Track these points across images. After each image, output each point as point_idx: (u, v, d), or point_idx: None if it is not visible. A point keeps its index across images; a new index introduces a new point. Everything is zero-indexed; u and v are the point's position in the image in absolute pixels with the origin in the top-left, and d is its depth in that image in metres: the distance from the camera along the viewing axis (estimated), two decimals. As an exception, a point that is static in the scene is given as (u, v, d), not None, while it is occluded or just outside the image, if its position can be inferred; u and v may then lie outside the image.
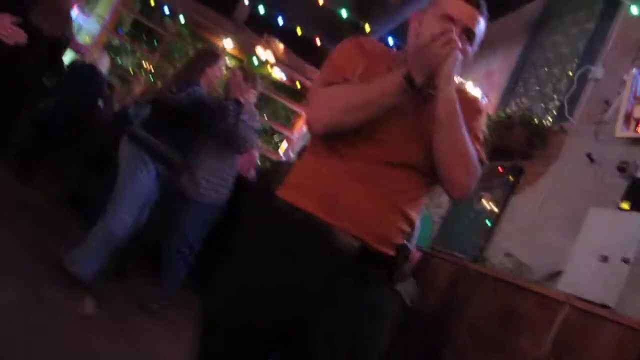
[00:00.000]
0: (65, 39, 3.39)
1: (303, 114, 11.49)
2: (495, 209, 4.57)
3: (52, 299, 3.41)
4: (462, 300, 4.16)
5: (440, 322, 4.25)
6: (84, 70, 6.78)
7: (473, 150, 1.55)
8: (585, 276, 3.26)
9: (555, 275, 3.58)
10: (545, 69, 5.12)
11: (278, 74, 11.15)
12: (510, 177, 4.58)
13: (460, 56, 1.49)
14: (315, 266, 1.50)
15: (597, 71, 4.20)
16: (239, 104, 4.06)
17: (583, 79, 4.28)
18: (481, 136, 1.67)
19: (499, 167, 4.71)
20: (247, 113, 4.13)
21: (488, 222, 4.55)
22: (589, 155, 3.80)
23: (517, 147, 4.47)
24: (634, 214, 3.21)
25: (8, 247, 3.81)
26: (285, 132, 12.24)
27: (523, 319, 3.54)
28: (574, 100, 4.26)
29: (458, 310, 4.15)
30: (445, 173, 1.55)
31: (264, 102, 12.62)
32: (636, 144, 3.50)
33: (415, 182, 1.59)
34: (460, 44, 1.49)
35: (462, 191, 1.57)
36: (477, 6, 1.61)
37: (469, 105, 1.66)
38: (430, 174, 1.58)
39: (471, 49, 1.62)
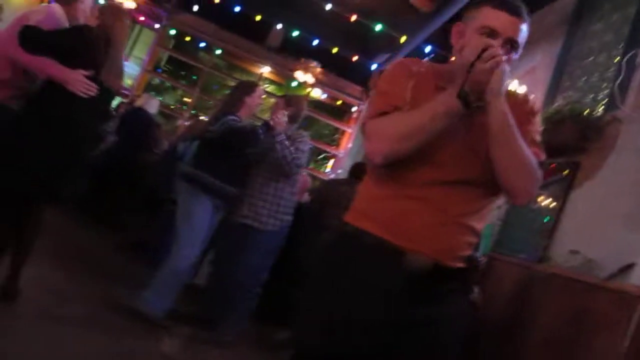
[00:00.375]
0: (117, 89, 3.63)
1: (347, 130, 11.54)
2: (555, 207, 4.47)
3: (134, 345, 3.52)
4: (531, 303, 4.07)
5: (510, 327, 4.16)
6: (135, 115, 7.02)
7: (531, 156, 1.55)
8: (659, 267, 3.16)
9: (627, 268, 3.47)
10: (590, 58, 5.01)
11: (318, 93, 11.25)
12: (566, 173, 4.48)
13: (507, 68, 1.49)
14: (392, 290, 1.53)
15: (645, 55, 4.10)
16: (267, 126, 4.12)
17: (631, 65, 4.17)
18: (538, 138, 1.67)
19: (554, 164, 4.61)
20: (283, 134, 4.14)
21: (549, 221, 4.45)
22: (646, 143, 3.69)
23: (571, 142, 4.37)
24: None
25: (80, 298, 3.94)
26: (331, 151, 12.31)
27: (597, 317, 3.44)
28: (623, 88, 4.15)
29: (528, 313, 4.07)
30: (507, 183, 1.56)
31: (306, 123, 12.75)
32: (696, 126, 3.39)
33: (477, 196, 1.59)
34: (504, 57, 1.48)
35: (525, 198, 1.58)
36: (518, 14, 1.60)
37: (522, 108, 1.66)
38: (491, 186, 1.58)
39: (516, 57, 1.61)
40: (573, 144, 4.38)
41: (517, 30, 1.60)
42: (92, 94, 3.13)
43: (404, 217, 1.53)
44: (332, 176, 11.25)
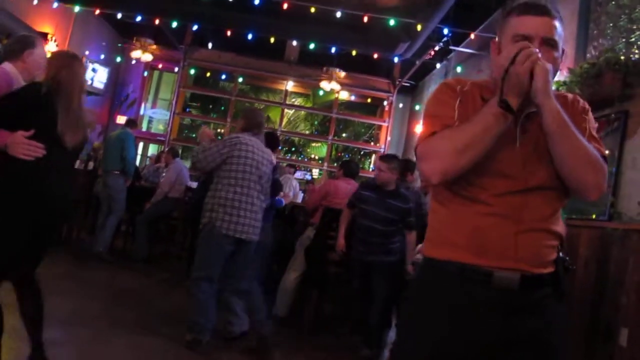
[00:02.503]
0: (74, 142, 3.28)
1: (382, 124, 11.53)
2: (613, 160, 4.37)
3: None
4: (614, 264, 3.99)
5: (600, 289, 4.10)
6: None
7: (594, 150, 1.54)
8: None
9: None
10: (613, 2, 4.88)
11: (346, 95, 11.28)
12: (617, 123, 4.38)
13: (548, 66, 1.48)
14: (488, 312, 1.54)
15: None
16: None
17: (658, 1, 4.05)
18: (595, 134, 1.65)
19: (602, 118, 4.52)
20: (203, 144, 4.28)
21: (611, 176, 4.36)
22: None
23: (614, 91, 4.27)
24: None
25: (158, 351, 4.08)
26: (371, 148, 12.32)
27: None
28: (656, 26, 4.04)
29: (613, 274, 3.99)
30: (576, 182, 1.55)
31: (342, 125, 12.81)
32: None
33: (549, 201, 1.58)
34: (539, 54, 1.48)
35: (597, 193, 1.56)
36: (544, 13, 1.58)
37: (573, 108, 1.65)
38: (560, 188, 1.57)
39: (558, 55, 1.60)
40: (617, 93, 4.28)
41: (548, 28, 1.57)
42: (38, 154, 2.83)
43: (482, 236, 1.53)
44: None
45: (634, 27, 4.49)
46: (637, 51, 4.35)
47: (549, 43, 1.55)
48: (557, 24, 1.59)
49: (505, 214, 1.54)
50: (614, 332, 3.86)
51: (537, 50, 1.48)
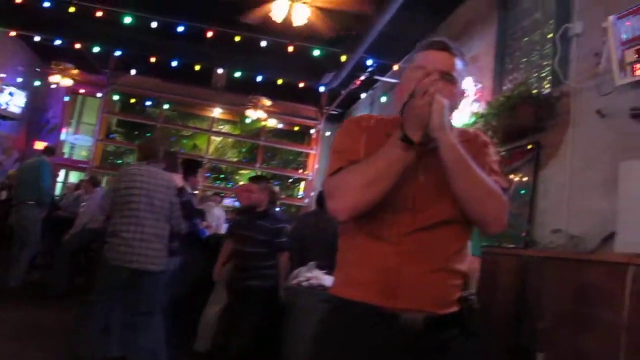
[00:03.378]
0: None
1: (310, 152, 11.59)
2: (528, 190, 4.54)
3: None
4: (532, 289, 4.12)
5: (519, 313, 4.20)
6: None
7: (494, 183, 1.57)
8: (639, 231, 3.23)
9: (609, 237, 3.53)
10: (526, 38, 5.13)
11: (273, 123, 11.29)
12: (530, 155, 4.56)
13: (445, 101, 1.51)
14: (394, 354, 1.53)
15: (576, 27, 4.21)
16: None
17: (565, 39, 4.28)
18: (496, 167, 1.68)
19: (517, 149, 4.70)
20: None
21: (524, 205, 4.52)
22: (598, 112, 3.78)
23: (528, 124, 4.46)
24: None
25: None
26: (300, 175, 12.34)
27: (595, 290, 3.50)
28: (564, 62, 4.26)
29: (532, 298, 4.11)
30: (476, 216, 1.57)
31: (271, 153, 12.79)
32: (638, 87, 3.48)
33: (455, 236, 1.60)
34: (438, 87, 1.50)
35: (498, 227, 1.59)
36: (445, 49, 1.64)
37: (474, 143, 1.68)
38: (464, 221, 1.59)
39: (457, 90, 1.64)
40: (530, 125, 4.47)
41: (447, 63, 1.62)
42: None
43: (388, 277, 1.52)
44: (306, 200, 11.26)
45: (545, 62, 4.72)
46: (547, 85, 4.56)
47: (447, 77, 1.58)
48: (457, 61, 1.64)
49: (412, 253, 1.54)
50: (531, 356, 3.97)
51: (436, 80, 1.51)
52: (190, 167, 5.36)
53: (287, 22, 6.07)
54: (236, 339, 4.51)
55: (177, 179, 4.32)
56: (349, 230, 1.65)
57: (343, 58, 7.37)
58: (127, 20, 7.47)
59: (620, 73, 3.55)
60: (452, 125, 1.57)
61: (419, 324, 1.53)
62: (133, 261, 3.88)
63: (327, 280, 4.01)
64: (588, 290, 3.57)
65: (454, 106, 1.62)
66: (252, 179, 4.96)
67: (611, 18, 3.58)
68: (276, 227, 4.67)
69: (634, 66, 3.44)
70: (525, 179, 4.61)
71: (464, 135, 1.69)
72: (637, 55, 3.42)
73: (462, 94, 1.71)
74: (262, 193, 4.72)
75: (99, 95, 11.63)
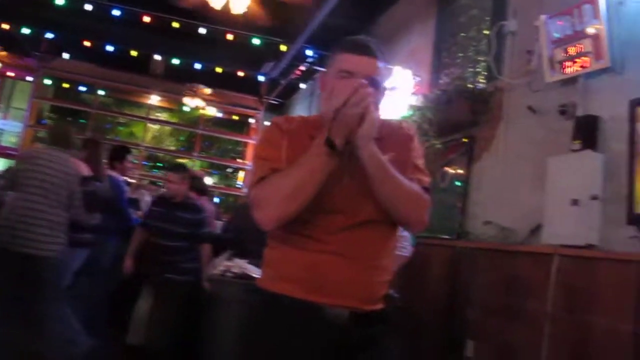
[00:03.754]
0: None
1: (249, 142, 11.50)
2: (461, 183, 4.64)
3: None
4: (463, 279, 4.22)
5: (450, 304, 4.30)
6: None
7: (414, 186, 1.59)
8: (564, 223, 3.35)
9: (537, 229, 3.66)
10: (462, 34, 5.22)
11: (213, 111, 11.13)
12: (465, 148, 4.66)
13: (377, 115, 1.53)
14: (320, 347, 1.54)
15: (511, 24, 4.31)
16: None
17: (500, 35, 4.38)
18: (420, 162, 1.71)
19: (453, 142, 4.79)
20: None
21: (458, 197, 4.62)
22: (530, 108, 3.89)
23: (463, 117, 4.55)
24: (587, 151, 3.30)
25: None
26: (239, 165, 12.24)
27: (522, 280, 3.62)
28: (498, 58, 4.36)
29: (462, 289, 4.21)
30: (398, 218, 1.61)
31: (209, 143, 12.62)
32: (568, 84, 3.61)
33: (381, 233, 1.63)
34: (371, 99, 1.49)
35: (419, 227, 1.66)
36: (369, 53, 1.62)
37: (398, 136, 1.71)
38: (389, 220, 1.62)
39: (379, 94, 1.64)
40: (465, 119, 4.56)
41: (371, 68, 1.61)
42: None
43: (317, 272, 1.54)
44: (246, 190, 11.17)
45: (480, 58, 4.82)
46: (482, 80, 4.66)
47: (372, 83, 1.56)
48: (379, 63, 1.63)
49: (339, 251, 1.56)
50: (461, 344, 4.08)
51: (370, 92, 1.49)
52: (118, 153, 5.19)
53: (226, 9, 5.98)
54: (160, 332, 4.40)
55: (84, 168, 4.14)
56: (276, 230, 1.64)
57: (283, 48, 7.33)
58: (60, 1, 7.19)
59: (550, 70, 3.67)
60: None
61: (345, 319, 1.55)
62: (15, 244, 3.71)
63: (251, 269, 3.98)
64: (516, 280, 3.69)
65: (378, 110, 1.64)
66: (171, 168, 4.82)
67: (543, 17, 3.69)
68: (197, 218, 4.55)
69: (564, 64, 3.56)
70: (460, 171, 4.71)
71: (388, 128, 1.70)
72: (566, 54, 3.54)
73: (384, 94, 1.71)
74: (181, 183, 4.56)
75: (29, 79, 11.14)
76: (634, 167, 3.05)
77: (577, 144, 3.39)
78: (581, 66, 3.44)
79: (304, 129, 1.68)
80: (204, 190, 5.75)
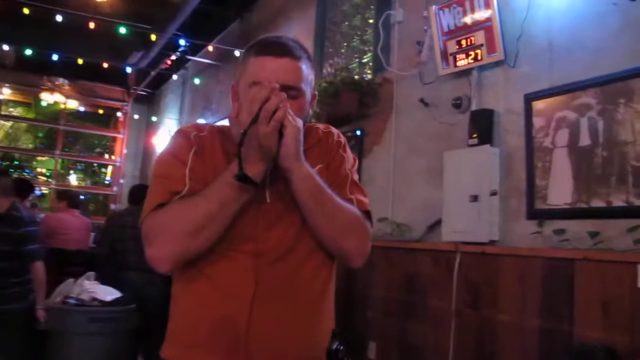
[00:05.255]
0: None
1: (117, 136, 10.76)
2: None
3: None
4: (363, 279, 4.08)
5: (351, 303, 4.15)
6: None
7: (354, 210, 1.32)
8: (464, 219, 3.29)
9: (435, 225, 3.59)
10: (346, 22, 5.06)
11: (75, 105, 10.25)
12: (354, 141, 4.51)
13: (299, 122, 1.22)
14: None
15: (398, 14, 4.20)
16: None
17: (387, 25, 4.26)
18: (356, 177, 1.44)
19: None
20: None
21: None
22: (421, 100, 3.80)
23: (351, 110, 4.39)
24: (484, 146, 3.25)
25: None
26: (107, 161, 11.43)
27: (424, 278, 3.54)
28: (386, 49, 4.23)
29: (363, 289, 4.08)
30: (336, 250, 1.33)
31: (72, 138, 11.64)
32: (461, 77, 3.55)
33: (316, 269, 1.33)
34: (287, 108, 1.18)
35: (360, 260, 1.34)
36: (285, 54, 1.29)
37: (325, 144, 1.39)
38: (325, 253, 1.34)
39: (305, 102, 1.33)
40: (354, 111, 4.41)
41: (290, 73, 1.28)
42: None
43: (237, 328, 1.22)
44: (115, 188, 10.45)
45: (366, 48, 4.68)
46: (369, 72, 4.53)
47: (292, 93, 1.26)
48: (302, 66, 1.31)
49: (262, 295, 1.25)
50: (364, 346, 3.95)
51: (283, 100, 1.18)
52: None
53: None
54: None
55: None
56: (182, 270, 1.30)
57: (153, 37, 6.79)
58: None
59: (442, 63, 3.58)
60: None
61: None
62: None
63: (102, 292, 3.53)
64: (417, 278, 3.60)
65: (305, 121, 1.32)
66: None
67: (433, 8, 3.59)
68: (20, 232, 3.65)
69: (456, 57, 3.48)
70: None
71: (315, 135, 1.39)
72: (458, 47, 3.47)
73: (314, 98, 1.40)
74: (5, 194, 3.71)
75: None
76: (532, 161, 3.04)
77: (473, 139, 3.34)
78: (474, 59, 3.38)
79: (217, 141, 1.35)
80: (78, 204, 5.14)
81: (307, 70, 1.33)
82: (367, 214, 1.38)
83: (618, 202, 2.62)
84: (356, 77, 4.54)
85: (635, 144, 2.58)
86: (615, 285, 2.49)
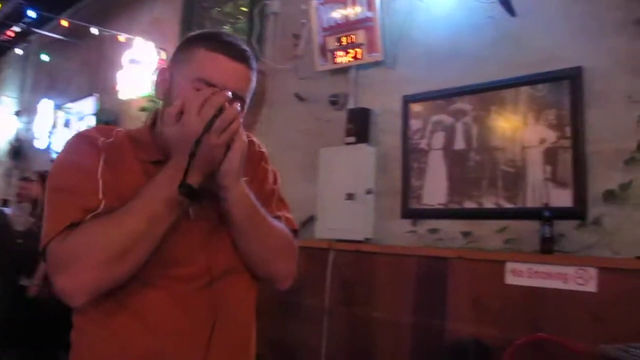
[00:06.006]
0: None
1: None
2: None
3: None
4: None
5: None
6: None
7: (285, 231, 1.24)
8: (339, 217, 3.31)
9: (308, 222, 3.57)
10: (217, 9, 4.88)
11: None
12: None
13: (245, 141, 1.10)
14: None
15: (274, 5, 4.11)
16: None
17: (263, 15, 4.16)
18: (281, 193, 1.34)
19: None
20: None
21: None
22: (297, 95, 3.77)
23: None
24: (361, 145, 3.29)
25: None
26: None
27: (301, 277, 3.50)
28: (261, 39, 4.14)
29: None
30: (266, 273, 1.23)
31: None
32: (339, 74, 3.55)
33: (243, 291, 1.22)
34: (239, 121, 1.06)
35: (287, 282, 1.26)
36: (243, 59, 1.13)
37: (249, 155, 1.19)
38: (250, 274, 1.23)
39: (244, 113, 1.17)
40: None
41: (242, 81, 1.13)
42: None
43: None
44: None
45: (238, 37, 4.53)
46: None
47: (238, 102, 1.11)
48: (253, 78, 1.18)
49: (189, 327, 1.10)
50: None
51: (238, 113, 1.06)
52: None
53: None
54: None
55: None
56: (95, 301, 1.08)
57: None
58: None
59: (321, 59, 3.57)
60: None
61: None
62: None
63: None
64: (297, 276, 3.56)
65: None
66: None
67: (314, 3, 3.56)
68: None
69: (335, 53, 3.48)
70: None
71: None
72: (338, 43, 3.47)
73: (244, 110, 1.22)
74: None
75: None
76: (408, 162, 3.13)
77: (350, 137, 3.36)
78: (354, 57, 3.40)
79: (129, 148, 1.16)
80: None
81: (254, 82, 1.19)
82: (295, 232, 1.29)
83: (488, 204, 2.78)
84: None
85: (505, 150, 2.74)
86: (485, 283, 2.64)
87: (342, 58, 3.45)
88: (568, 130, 2.55)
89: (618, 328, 2.24)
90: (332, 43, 3.49)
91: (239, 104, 1.10)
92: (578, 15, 2.59)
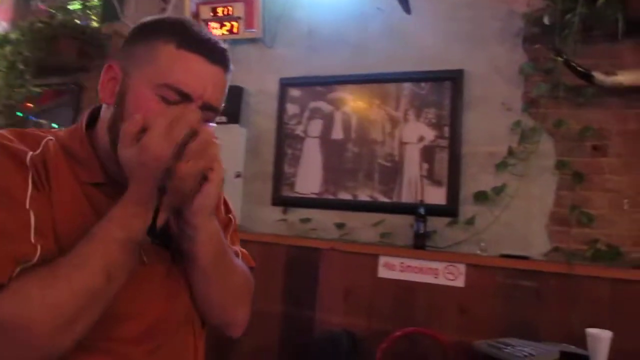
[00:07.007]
0: None
1: None
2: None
3: None
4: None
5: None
6: None
7: (245, 271, 1.07)
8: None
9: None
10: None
11: None
12: (69, 96, 3.93)
13: (223, 171, 0.88)
14: None
15: (138, -38, 3.75)
16: None
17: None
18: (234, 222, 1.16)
19: (53, 87, 3.97)
20: None
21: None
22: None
23: (70, 61, 3.79)
24: (231, 125, 3.12)
25: None
26: None
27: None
28: (121, -2, 3.75)
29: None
30: (221, 320, 1.05)
31: None
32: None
33: (197, 340, 1.03)
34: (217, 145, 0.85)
35: (242, 329, 1.09)
36: (222, 62, 0.90)
37: None
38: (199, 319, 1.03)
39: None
40: (73, 63, 3.82)
41: (218, 89, 0.90)
42: None
43: None
44: None
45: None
46: (95, 19, 3.98)
47: (210, 115, 0.90)
48: (227, 83, 0.94)
49: None
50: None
51: (215, 138, 0.85)
52: None
53: None
54: None
55: None
56: None
57: None
58: None
59: (192, 28, 3.31)
60: None
61: None
62: None
63: None
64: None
65: None
66: None
67: (189, -34, 3.29)
68: None
69: (209, 24, 3.25)
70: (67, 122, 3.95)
71: None
72: (213, 14, 3.25)
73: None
74: None
75: None
76: (282, 147, 3.02)
77: (220, 116, 3.17)
78: (229, 30, 3.21)
79: (63, 162, 0.88)
80: None
81: (227, 85, 0.95)
82: (252, 270, 1.12)
83: (364, 196, 2.78)
84: (77, 21, 3.93)
85: (384, 143, 2.75)
86: (358, 275, 2.64)
87: (217, 30, 3.23)
88: (447, 130, 2.62)
89: (483, 321, 2.37)
90: (206, 12, 3.26)
91: (211, 116, 0.90)
92: (464, 20, 2.66)
